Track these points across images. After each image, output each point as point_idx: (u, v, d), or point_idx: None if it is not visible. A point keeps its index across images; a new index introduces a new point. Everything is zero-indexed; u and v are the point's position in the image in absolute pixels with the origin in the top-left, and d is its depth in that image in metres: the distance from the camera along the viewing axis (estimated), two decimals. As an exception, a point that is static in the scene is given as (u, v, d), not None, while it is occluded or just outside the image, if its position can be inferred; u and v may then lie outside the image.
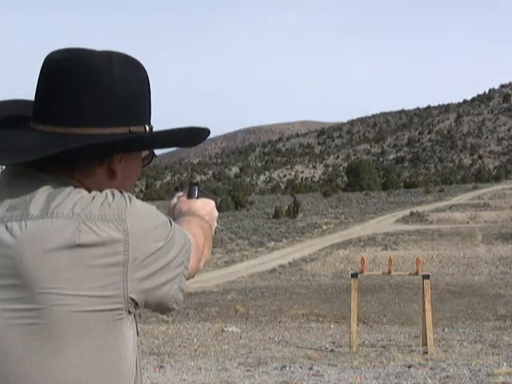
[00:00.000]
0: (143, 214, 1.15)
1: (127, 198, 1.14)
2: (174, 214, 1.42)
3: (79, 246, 1.08)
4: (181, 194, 1.48)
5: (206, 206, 1.44)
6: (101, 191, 1.17)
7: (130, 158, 1.22)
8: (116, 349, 1.13)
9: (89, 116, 1.14)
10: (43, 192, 1.13)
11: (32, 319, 1.08)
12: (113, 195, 1.14)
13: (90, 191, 1.16)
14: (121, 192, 1.16)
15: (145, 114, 1.22)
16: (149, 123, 1.22)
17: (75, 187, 1.15)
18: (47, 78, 1.16)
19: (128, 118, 1.17)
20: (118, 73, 1.15)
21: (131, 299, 1.13)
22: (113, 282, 1.11)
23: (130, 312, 1.15)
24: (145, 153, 1.30)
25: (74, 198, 1.12)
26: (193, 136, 1.26)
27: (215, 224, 1.48)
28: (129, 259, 1.11)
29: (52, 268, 1.08)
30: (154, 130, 1.25)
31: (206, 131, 1.27)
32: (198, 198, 1.47)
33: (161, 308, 1.20)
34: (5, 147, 1.15)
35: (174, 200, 1.46)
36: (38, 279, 1.08)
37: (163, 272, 1.16)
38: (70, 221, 1.09)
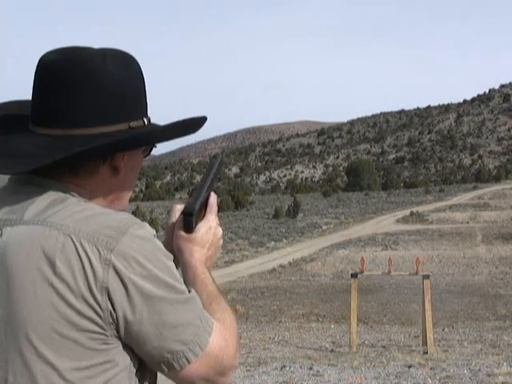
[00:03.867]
0: (139, 253, 1.07)
1: (135, 228, 1.08)
2: (172, 242, 1.28)
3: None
4: (179, 207, 1.31)
5: (207, 238, 1.28)
6: (105, 189, 1.17)
7: (132, 152, 1.20)
8: (102, 373, 1.08)
9: (87, 116, 1.13)
10: (42, 199, 1.11)
11: (12, 326, 1.06)
12: (120, 220, 1.08)
13: (94, 190, 1.15)
14: (134, 220, 1.10)
15: (142, 108, 1.20)
16: (146, 116, 1.21)
17: (79, 195, 1.13)
18: (42, 80, 1.15)
19: (127, 113, 1.16)
20: (113, 70, 1.14)
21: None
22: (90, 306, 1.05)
23: (120, 338, 1.09)
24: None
25: (71, 209, 1.09)
26: (192, 125, 1.25)
27: (220, 243, 1.33)
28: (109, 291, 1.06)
29: (32, 277, 1.05)
30: (153, 124, 1.24)
31: (204, 119, 1.25)
32: (195, 226, 1.29)
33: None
34: (7, 154, 1.13)
35: (172, 219, 1.30)
36: (18, 286, 1.05)
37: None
38: (55, 231, 1.06)
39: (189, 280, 1.23)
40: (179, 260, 1.26)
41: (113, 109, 1.14)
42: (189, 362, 1.11)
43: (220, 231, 1.32)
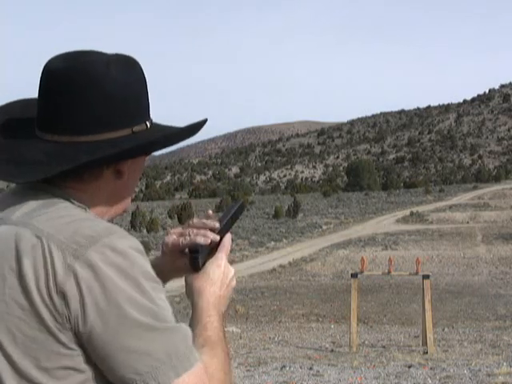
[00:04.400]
0: (107, 264, 1.03)
1: (111, 239, 1.05)
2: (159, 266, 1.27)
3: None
4: (170, 239, 1.29)
5: (215, 276, 1.24)
6: (108, 191, 1.18)
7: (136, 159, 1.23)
8: (65, 377, 1.06)
9: (93, 123, 1.15)
10: (34, 203, 1.12)
11: None
12: (97, 229, 1.06)
13: (96, 193, 1.17)
14: (114, 231, 1.08)
15: (145, 111, 1.22)
16: (148, 118, 1.23)
17: (80, 199, 1.15)
18: (48, 86, 1.17)
19: (130, 118, 1.18)
20: (116, 76, 1.16)
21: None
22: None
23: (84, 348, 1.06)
24: None
25: (54, 215, 1.09)
26: (193, 129, 1.27)
27: (233, 284, 1.28)
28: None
29: (4, 275, 1.06)
30: (155, 124, 1.25)
31: (205, 121, 1.27)
32: (203, 264, 1.24)
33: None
34: (16, 161, 1.15)
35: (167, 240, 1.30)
36: None
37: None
38: (29, 233, 1.07)
39: (193, 321, 1.19)
40: (189, 299, 1.23)
41: (117, 114, 1.17)
42: None
43: (231, 271, 1.27)
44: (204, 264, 1.24)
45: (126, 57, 1.20)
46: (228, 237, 1.30)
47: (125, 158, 1.18)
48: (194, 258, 1.23)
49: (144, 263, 1.07)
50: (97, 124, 1.15)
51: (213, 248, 1.26)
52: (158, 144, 1.22)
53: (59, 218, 1.08)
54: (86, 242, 1.04)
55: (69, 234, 1.05)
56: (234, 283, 1.27)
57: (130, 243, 1.06)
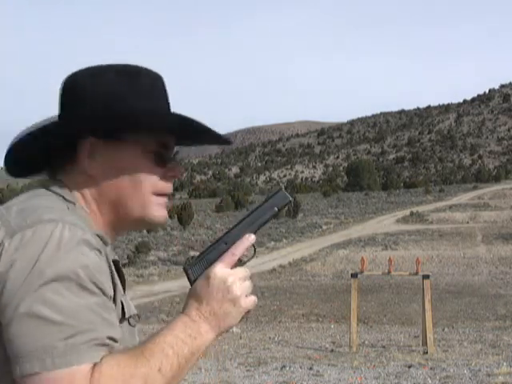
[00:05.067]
0: (31, 248, 1.07)
1: (48, 227, 1.08)
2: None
3: None
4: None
5: (200, 291, 1.13)
6: (94, 190, 1.23)
7: (108, 146, 1.22)
8: None
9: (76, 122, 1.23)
10: (26, 194, 1.21)
11: None
12: (43, 217, 1.10)
13: (89, 196, 1.23)
14: (56, 218, 1.10)
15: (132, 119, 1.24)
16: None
17: (68, 195, 1.21)
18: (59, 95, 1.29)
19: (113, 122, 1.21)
20: (107, 89, 1.22)
21: None
22: None
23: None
24: (151, 146, 1.23)
25: (24, 204, 1.17)
26: (189, 126, 1.24)
27: (230, 297, 1.13)
28: None
29: None
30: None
31: (204, 127, 1.26)
32: (195, 279, 1.13)
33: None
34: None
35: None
36: None
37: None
38: None
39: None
40: None
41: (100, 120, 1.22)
42: (22, 375, 1.03)
43: (224, 283, 1.12)
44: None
45: (128, 66, 1.27)
46: (243, 240, 1.17)
47: (86, 126, 1.20)
48: (186, 273, 1.13)
49: (72, 256, 1.07)
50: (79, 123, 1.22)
51: (217, 254, 1.14)
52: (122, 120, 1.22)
53: (26, 207, 1.15)
54: (24, 225, 1.09)
55: (20, 219, 1.11)
56: (231, 296, 1.13)
57: (66, 233, 1.08)
